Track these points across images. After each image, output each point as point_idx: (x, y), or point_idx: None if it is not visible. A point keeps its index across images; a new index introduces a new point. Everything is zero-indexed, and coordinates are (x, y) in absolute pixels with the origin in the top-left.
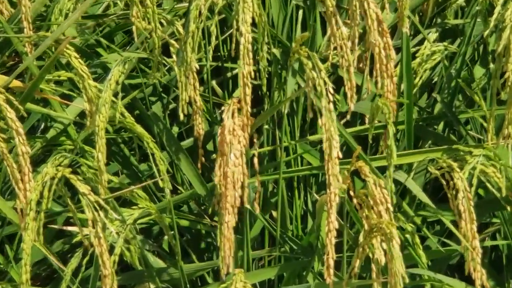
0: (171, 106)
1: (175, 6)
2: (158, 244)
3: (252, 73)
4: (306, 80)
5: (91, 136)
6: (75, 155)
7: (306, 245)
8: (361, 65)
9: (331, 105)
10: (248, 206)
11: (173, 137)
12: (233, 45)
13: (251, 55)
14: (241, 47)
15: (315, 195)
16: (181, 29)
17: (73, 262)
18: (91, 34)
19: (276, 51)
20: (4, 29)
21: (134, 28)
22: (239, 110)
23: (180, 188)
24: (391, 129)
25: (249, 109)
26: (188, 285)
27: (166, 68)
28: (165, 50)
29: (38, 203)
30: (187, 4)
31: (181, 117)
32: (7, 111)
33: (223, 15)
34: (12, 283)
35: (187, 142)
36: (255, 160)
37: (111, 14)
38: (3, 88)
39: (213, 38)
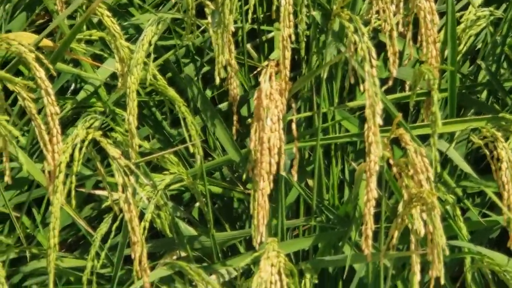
0: (204, 69)
1: None
2: (189, 211)
3: (293, 36)
4: (348, 44)
5: (121, 98)
6: (105, 118)
7: (343, 215)
8: (402, 29)
9: (374, 70)
10: (283, 174)
11: (208, 101)
12: (271, 7)
13: (291, 17)
14: (282, 9)
15: (352, 163)
16: None
17: (102, 228)
18: None
19: (315, 14)
20: None
21: None
22: (277, 73)
23: (212, 154)
24: (436, 96)
25: (288, 73)
26: (219, 254)
27: (200, 29)
28: (199, 11)
29: (68, 166)
30: None
31: (217, 81)
32: (36, 70)
33: None
34: (39, 247)
35: (221, 107)
36: (293, 126)
37: None
38: (33, 46)
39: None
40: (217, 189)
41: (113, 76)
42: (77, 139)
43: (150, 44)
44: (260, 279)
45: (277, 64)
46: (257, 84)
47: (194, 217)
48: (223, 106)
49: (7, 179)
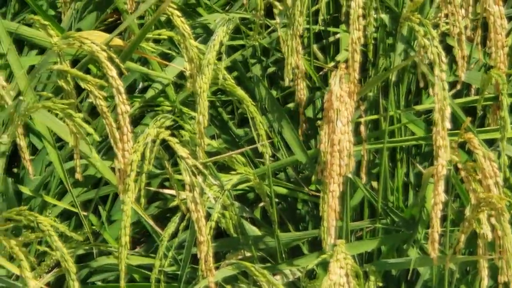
0: (269, 70)
1: None
2: (252, 211)
3: (362, 39)
4: (418, 48)
5: (188, 97)
6: (175, 117)
7: (408, 218)
8: (469, 34)
9: (444, 74)
10: (349, 175)
11: (276, 101)
12: (338, 9)
13: (361, 20)
14: (352, 11)
15: (418, 166)
16: None
17: (170, 227)
18: None
19: (384, 17)
20: None
21: None
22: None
23: (276, 154)
24: (505, 100)
25: (357, 76)
26: (283, 255)
27: (269, 30)
28: (267, 11)
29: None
30: None
31: (286, 82)
32: (108, 68)
33: None
34: (107, 244)
35: (287, 107)
36: (362, 128)
37: None
38: (104, 45)
39: (323, 1)
40: (282, 190)
41: (180, 75)
42: (149, 138)
43: (221, 44)
44: (329, 281)
45: (347, 67)
46: (322, 86)
47: (258, 217)
48: (289, 106)
49: (78, 176)
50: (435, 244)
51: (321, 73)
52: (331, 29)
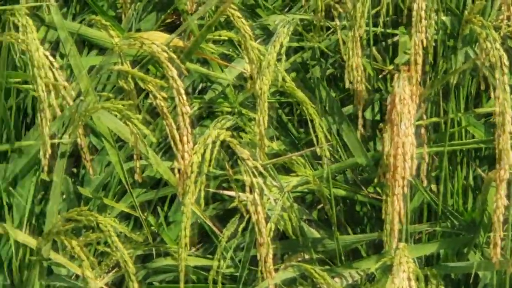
0: (328, 71)
1: None
2: (311, 213)
3: (424, 41)
4: (480, 51)
5: (248, 99)
6: (235, 118)
7: (469, 221)
8: None
9: (506, 77)
10: (410, 178)
11: (336, 103)
12: (396, 10)
13: (424, 22)
14: (414, 13)
15: (479, 169)
16: None
17: (230, 228)
18: None
19: (446, 19)
20: None
21: None
22: (409, 78)
23: (335, 156)
24: None
25: (419, 79)
26: (343, 257)
27: (329, 32)
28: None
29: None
30: None
31: (347, 84)
32: (169, 69)
33: None
34: (166, 245)
35: (346, 109)
36: (422, 131)
37: None
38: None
39: (384, 3)
40: (341, 192)
41: (240, 76)
42: (209, 139)
43: (281, 46)
44: (393, 285)
45: (409, 69)
46: (381, 88)
47: (316, 219)
48: (348, 109)
49: (137, 177)
50: (497, 248)
51: (380, 76)
52: (390, 31)
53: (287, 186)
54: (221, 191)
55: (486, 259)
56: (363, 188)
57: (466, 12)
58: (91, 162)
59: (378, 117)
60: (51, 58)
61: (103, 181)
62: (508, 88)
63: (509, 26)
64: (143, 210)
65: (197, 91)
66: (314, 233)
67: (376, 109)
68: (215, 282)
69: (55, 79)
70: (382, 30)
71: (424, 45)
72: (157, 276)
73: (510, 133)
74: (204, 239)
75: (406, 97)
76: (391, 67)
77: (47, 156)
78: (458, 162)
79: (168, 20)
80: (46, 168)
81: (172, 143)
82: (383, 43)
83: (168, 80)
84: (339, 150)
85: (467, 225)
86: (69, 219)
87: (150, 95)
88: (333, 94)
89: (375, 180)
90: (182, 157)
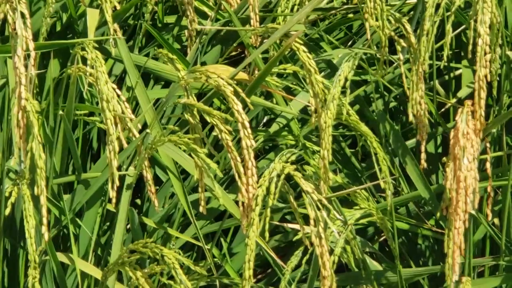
0: (391, 105)
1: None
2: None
3: (488, 76)
4: None
5: (311, 132)
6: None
7: None
8: None
9: None
10: (473, 212)
11: (400, 137)
12: (459, 44)
13: (488, 57)
14: (479, 48)
15: None
16: (408, 27)
17: (293, 261)
18: (312, 28)
19: (510, 54)
20: (232, 20)
21: (367, 24)
22: (472, 113)
23: (398, 188)
24: None
25: (483, 113)
26: None
27: (392, 66)
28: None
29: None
30: (414, 1)
31: (411, 117)
32: (234, 103)
33: None
34: (227, 276)
35: (408, 143)
36: (487, 165)
37: (336, 8)
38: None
39: (448, 37)
40: (403, 225)
41: (304, 109)
42: (274, 172)
43: (346, 80)
44: None
45: (472, 104)
46: (443, 122)
47: (378, 251)
48: (411, 142)
49: (202, 209)
50: None
51: (442, 110)
52: (453, 64)
53: (350, 219)
54: (284, 224)
55: None
56: (425, 221)
57: None
58: (156, 194)
59: (440, 151)
60: (118, 92)
61: (167, 213)
62: None
63: None
64: (207, 242)
65: (261, 124)
66: (376, 265)
67: (438, 142)
68: None
69: (122, 112)
70: (445, 64)
71: (488, 79)
72: None
73: None
74: (265, 271)
75: (469, 131)
76: (453, 100)
77: (115, 188)
78: None
79: (233, 53)
80: (114, 200)
81: (236, 176)
82: (446, 76)
83: (232, 113)
84: (402, 183)
85: None
86: (133, 250)
87: (215, 128)
88: (396, 128)
89: (437, 214)
90: (247, 190)
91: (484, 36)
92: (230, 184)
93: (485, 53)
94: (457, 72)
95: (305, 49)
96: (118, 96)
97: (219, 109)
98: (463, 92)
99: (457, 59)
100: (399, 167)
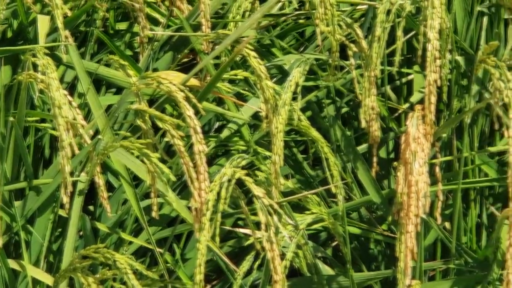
0: (343, 110)
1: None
2: (324, 251)
3: (438, 81)
4: (493, 91)
5: (263, 137)
6: (251, 157)
7: (482, 259)
8: None
9: None
10: (424, 216)
11: (351, 142)
12: (410, 49)
13: (438, 62)
14: (428, 53)
15: (492, 207)
16: (359, 32)
17: (245, 265)
18: (264, 34)
19: (460, 59)
20: (183, 27)
21: (318, 30)
22: (423, 117)
23: (350, 193)
24: None
25: (433, 118)
26: None
27: (344, 71)
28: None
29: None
30: (365, 7)
31: (363, 123)
32: (185, 108)
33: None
34: (179, 281)
35: (360, 148)
36: (437, 169)
37: (288, 14)
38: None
39: (399, 43)
40: (355, 230)
41: (255, 115)
42: (225, 177)
43: (297, 85)
44: None
45: (423, 108)
46: (396, 127)
47: (331, 256)
48: (363, 148)
49: (154, 214)
50: (510, 286)
51: (396, 114)
52: (405, 70)
53: (302, 224)
54: (236, 229)
55: None
56: (377, 226)
57: (479, 52)
58: (108, 200)
59: (392, 156)
60: (70, 98)
61: (120, 218)
62: None
63: None
64: (160, 247)
65: (213, 129)
66: (328, 270)
67: (391, 147)
68: None
69: (74, 118)
70: (397, 69)
71: (438, 84)
72: None
73: None
74: (218, 276)
75: (420, 136)
76: (405, 105)
77: (68, 193)
78: (472, 200)
79: (185, 60)
80: (67, 206)
81: (189, 181)
82: (398, 82)
83: (184, 119)
84: (354, 188)
85: (481, 262)
86: (85, 256)
87: (167, 134)
88: (348, 133)
89: (389, 218)
90: (199, 195)
91: (433, 41)
92: (183, 189)
93: (435, 58)
94: (409, 77)
95: (256, 55)
96: (70, 102)
97: (171, 115)
98: (415, 98)
99: (408, 64)
100: (351, 173)
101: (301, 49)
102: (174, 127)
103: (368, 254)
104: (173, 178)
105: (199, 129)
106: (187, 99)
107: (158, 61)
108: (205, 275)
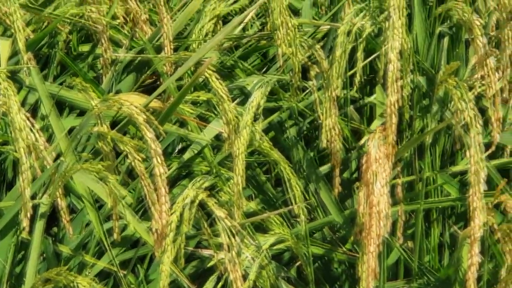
0: (305, 131)
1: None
2: (288, 271)
3: (400, 101)
4: (454, 111)
5: (226, 158)
6: (213, 178)
7: (444, 278)
8: (504, 95)
9: (480, 137)
10: (386, 236)
11: (313, 163)
12: (372, 70)
13: (399, 82)
14: (389, 74)
15: (454, 227)
16: (321, 53)
17: (208, 286)
18: (227, 55)
19: (421, 79)
20: (146, 48)
21: (279, 51)
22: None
23: (313, 213)
24: None
25: (395, 138)
26: None
27: (306, 92)
28: (302, 73)
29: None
30: (326, 28)
31: (324, 144)
32: (146, 130)
33: None
34: None
35: (322, 169)
36: (398, 189)
37: (250, 35)
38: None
39: (359, 64)
40: (318, 250)
41: (218, 136)
42: (187, 199)
43: (258, 106)
44: None
45: (384, 129)
46: (358, 147)
47: (294, 276)
48: (326, 168)
49: (116, 236)
50: None
51: (357, 135)
52: (367, 95)
53: (265, 244)
54: (199, 250)
55: None
56: (340, 246)
57: (440, 72)
58: (70, 222)
59: (356, 175)
60: (32, 120)
61: (82, 241)
62: (482, 147)
63: (482, 85)
64: (123, 269)
65: (176, 151)
66: None
67: (353, 167)
68: None
69: (36, 141)
70: (358, 92)
71: (399, 105)
72: None
73: (484, 191)
74: None
75: (381, 156)
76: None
77: (28, 216)
78: (434, 220)
79: (148, 81)
80: (27, 229)
81: (149, 203)
82: (360, 102)
83: (145, 141)
84: (316, 209)
85: (443, 281)
86: (48, 279)
87: (129, 156)
88: (310, 154)
89: (352, 238)
90: (160, 217)
91: (394, 62)
92: (145, 212)
93: (396, 79)
94: (372, 98)
95: (217, 77)
96: (32, 125)
97: (135, 135)
98: (375, 124)
99: (372, 84)
100: (314, 193)
101: (265, 69)
102: (135, 150)
103: (331, 274)
104: (131, 200)
105: (159, 151)
106: (148, 121)
107: (121, 83)
108: None
